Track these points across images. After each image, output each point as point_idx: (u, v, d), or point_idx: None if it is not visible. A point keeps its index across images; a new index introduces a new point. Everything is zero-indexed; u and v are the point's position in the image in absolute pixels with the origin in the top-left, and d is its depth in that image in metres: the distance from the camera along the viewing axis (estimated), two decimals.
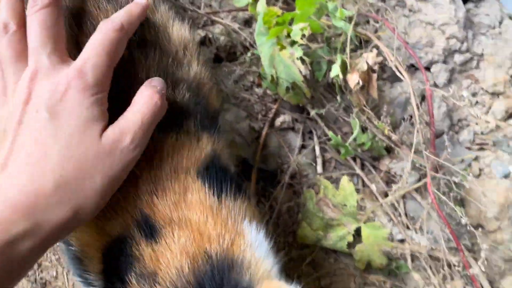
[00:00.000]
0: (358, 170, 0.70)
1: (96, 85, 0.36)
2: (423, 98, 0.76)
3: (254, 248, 0.37)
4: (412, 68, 0.78)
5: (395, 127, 0.73)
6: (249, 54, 0.73)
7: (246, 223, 0.38)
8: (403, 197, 0.71)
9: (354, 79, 0.62)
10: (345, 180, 0.63)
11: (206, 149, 0.41)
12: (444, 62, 0.78)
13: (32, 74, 0.36)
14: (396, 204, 0.71)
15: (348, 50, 0.65)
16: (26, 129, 0.34)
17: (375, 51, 0.64)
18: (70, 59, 0.38)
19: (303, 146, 0.75)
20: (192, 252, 0.35)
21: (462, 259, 0.59)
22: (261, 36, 0.67)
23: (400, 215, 0.70)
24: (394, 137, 0.64)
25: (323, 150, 0.74)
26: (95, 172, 0.34)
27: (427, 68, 0.78)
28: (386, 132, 0.64)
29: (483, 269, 0.57)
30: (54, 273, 0.65)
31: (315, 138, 0.73)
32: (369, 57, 0.63)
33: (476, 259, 0.66)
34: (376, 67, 0.63)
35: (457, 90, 0.77)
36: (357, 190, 0.73)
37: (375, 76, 0.64)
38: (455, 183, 0.64)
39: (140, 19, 0.41)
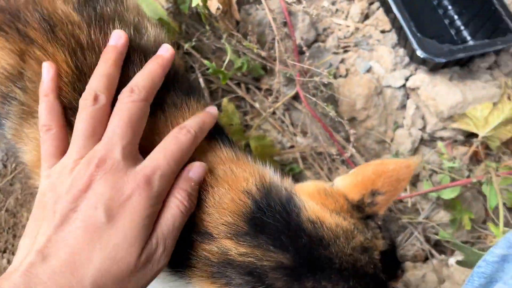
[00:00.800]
0: (240, 93, 0.74)
1: (158, 196, 0.35)
2: (290, 13, 0.81)
3: (273, 175, 0.45)
4: None
5: (270, 46, 0.77)
6: None
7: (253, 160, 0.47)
8: (287, 109, 0.78)
9: (214, 5, 0.64)
10: (225, 102, 0.67)
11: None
12: None
13: (99, 161, 0.34)
14: (282, 117, 0.77)
15: None
16: (78, 221, 0.33)
17: None
18: (140, 157, 0.37)
19: None
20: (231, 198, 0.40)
21: (338, 149, 0.67)
22: None
23: (287, 125, 0.77)
24: (264, 53, 0.68)
25: (208, 81, 0.78)
26: (129, 285, 0.33)
27: None
28: (255, 50, 0.68)
29: (354, 151, 0.66)
30: None
31: (197, 71, 0.76)
32: None
33: (355, 147, 0.76)
34: None
35: (317, 1, 0.83)
36: (246, 112, 0.78)
37: None
38: (324, 84, 0.71)
39: (210, 128, 0.42)
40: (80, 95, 0.39)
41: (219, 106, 0.75)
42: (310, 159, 0.73)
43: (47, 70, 0.38)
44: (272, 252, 0.38)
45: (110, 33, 0.42)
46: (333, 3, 0.83)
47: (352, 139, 0.66)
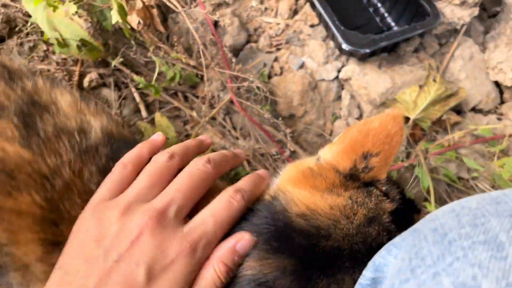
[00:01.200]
0: (176, 103, 0.74)
1: (199, 263, 0.34)
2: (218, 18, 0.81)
3: None
4: None
5: (199, 55, 0.77)
6: (29, 24, 0.70)
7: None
8: (227, 113, 0.78)
9: (134, 20, 0.64)
10: (158, 116, 0.66)
11: None
12: None
13: (154, 214, 0.34)
14: (223, 122, 0.77)
15: None
16: (119, 276, 0.32)
17: None
18: (188, 220, 0.36)
19: (124, 98, 0.76)
20: None
21: (277, 148, 0.68)
22: (29, 2, 0.64)
23: (229, 130, 0.77)
24: (193, 62, 0.68)
25: (144, 94, 0.77)
26: None
27: None
28: (184, 60, 0.67)
29: (292, 149, 0.67)
30: None
31: (130, 86, 0.75)
32: None
33: (297, 143, 0.78)
34: (152, 3, 0.65)
35: (245, 2, 0.83)
36: (186, 121, 0.78)
37: (155, 11, 0.66)
38: (258, 87, 0.72)
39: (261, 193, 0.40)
40: (56, 225, 0.38)
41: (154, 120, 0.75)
42: (254, 161, 0.74)
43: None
44: (269, 259, 0.35)
45: (65, 149, 0.41)
46: (261, 2, 0.84)
47: (288, 138, 0.67)
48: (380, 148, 0.37)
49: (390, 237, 0.35)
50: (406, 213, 0.39)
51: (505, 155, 0.75)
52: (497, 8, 0.83)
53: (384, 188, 0.39)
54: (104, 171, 0.40)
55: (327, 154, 0.40)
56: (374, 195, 0.38)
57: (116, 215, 0.35)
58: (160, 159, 0.40)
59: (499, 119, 0.81)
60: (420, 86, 0.72)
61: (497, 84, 0.80)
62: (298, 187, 0.39)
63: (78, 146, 0.41)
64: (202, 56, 0.63)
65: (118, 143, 0.44)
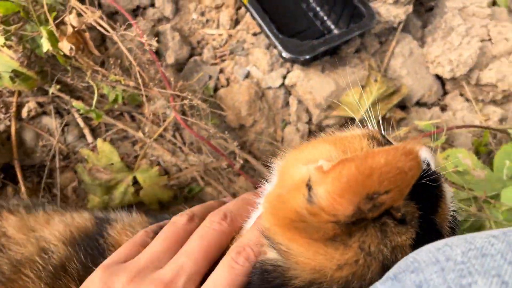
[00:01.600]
0: (121, 125, 0.72)
1: None
2: (158, 33, 0.80)
3: None
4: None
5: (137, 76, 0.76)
6: None
7: None
8: (177, 129, 0.77)
9: (66, 47, 0.62)
10: (100, 143, 0.65)
11: None
12: None
13: (167, 283, 0.33)
14: (173, 139, 0.76)
15: (51, 19, 0.63)
16: None
17: (74, 11, 0.64)
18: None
19: (67, 124, 0.74)
20: None
21: (228, 162, 0.68)
22: None
23: (180, 146, 0.77)
24: (132, 83, 0.67)
25: (87, 119, 0.75)
26: None
27: (152, 5, 0.81)
28: (123, 82, 0.66)
29: (241, 161, 0.67)
30: None
31: (72, 112, 0.73)
32: (71, 19, 0.62)
33: (250, 152, 0.78)
34: (84, 26, 0.63)
35: (186, 15, 0.83)
36: (135, 141, 0.76)
37: (87, 35, 0.64)
38: (204, 100, 0.71)
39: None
40: None
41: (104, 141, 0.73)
42: (207, 175, 0.73)
43: None
44: None
45: (31, 282, 0.38)
46: (202, 14, 0.83)
47: (237, 150, 0.67)
48: (391, 186, 0.28)
49: None
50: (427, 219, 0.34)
51: (450, 146, 0.77)
52: (431, 3, 0.86)
53: (400, 214, 0.32)
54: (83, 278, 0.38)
55: (322, 192, 0.30)
56: (390, 232, 0.31)
57: (123, 281, 0.34)
58: (179, 221, 0.39)
59: (443, 109, 0.83)
60: (363, 87, 0.73)
61: (438, 76, 0.82)
62: (291, 240, 0.33)
63: (45, 271, 0.38)
64: (139, 77, 0.62)
65: (83, 242, 0.42)
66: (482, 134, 0.77)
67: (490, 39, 0.79)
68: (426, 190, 0.34)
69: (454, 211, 0.37)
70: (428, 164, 0.37)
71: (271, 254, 0.34)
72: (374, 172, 0.28)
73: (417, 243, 0.32)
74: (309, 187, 0.30)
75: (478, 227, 0.60)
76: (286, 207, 0.31)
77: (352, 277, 0.31)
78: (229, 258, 0.34)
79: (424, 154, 0.38)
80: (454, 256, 0.26)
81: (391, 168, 0.28)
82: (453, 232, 0.36)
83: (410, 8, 0.78)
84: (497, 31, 0.79)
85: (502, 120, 0.79)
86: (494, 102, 0.82)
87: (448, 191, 0.37)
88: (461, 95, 0.83)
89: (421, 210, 0.33)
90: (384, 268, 0.31)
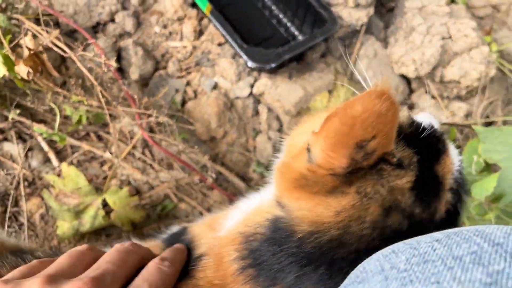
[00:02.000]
0: (86, 147, 0.70)
1: None
2: (120, 49, 0.78)
3: None
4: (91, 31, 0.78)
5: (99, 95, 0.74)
6: None
7: None
8: (146, 146, 0.76)
9: (23, 71, 0.59)
10: (64, 167, 0.63)
11: None
12: (124, 8, 0.80)
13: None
14: (143, 156, 0.75)
15: (6, 42, 0.61)
16: None
17: (30, 33, 0.61)
18: None
19: (30, 149, 0.71)
20: None
21: (200, 176, 0.67)
22: None
23: (150, 164, 0.75)
24: (95, 103, 0.65)
25: (52, 142, 0.72)
26: None
27: (112, 20, 0.79)
28: (86, 102, 0.64)
29: (214, 175, 0.66)
30: None
31: (36, 136, 0.70)
32: (27, 42, 0.60)
33: (223, 164, 0.77)
34: (41, 48, 0.61)
35: (148, 29, 0.81)
36: (103, 162, 0.74)
37: (45, 56, 0.62)
38: (171, 116, 0.70)
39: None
40: None
41: (71, 164, 0.71)
42: (180, 191, 0.72)
43: None
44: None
45: None
46: (165, 27, 0.82)
47: (208, 164, 0.66)
48: (375, 131, 0.30)
49: (411, 222, 0.33)
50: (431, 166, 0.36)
51: None
52: (391, 4, 0.87)
53: (395, 159, 0.34)
54: None
55: (317, 151, 0.33)
56: (386, 175, 0.33)
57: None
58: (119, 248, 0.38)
59: (410, 108, 0.84)
60: (330, 91, 0.73)
61: (403, 75, 0.84)
62: (297, 199, 0.35)
63: None
64: (102, 97, 0.61)
65: None
66: (449, 130, 0.78)
67: (450, 37, 0.81)
68: (428, 143, 0.37)
69: (460, 169, 0.38)
70: (432, 127, 0.39)
71: (281, 214, 0.36)
72: (356, 121, 0.30)
73: (417, 187, 0.34)
74: (308, 150, 0.34)
75: None
76: (292, 171, 0.35)
77: (349, 220, 0.33)
78: (153, 263, 0.36)
79: (428, 119, 0.41)
80: (398, 263, 0.26)
81: (370, 114, 0.30)
82: (457, 192, 0.37)
83: (371, 10, 0.79)
84: (456, 29, 0.80)
85: (467, 115, 0.81)
86: (459, 97, 0.84)
87: (454, 150, 0.40)
88: (427, 93, 0.84)
89: (421, 158, 0.35)
90: (386, 210, 0.33)
